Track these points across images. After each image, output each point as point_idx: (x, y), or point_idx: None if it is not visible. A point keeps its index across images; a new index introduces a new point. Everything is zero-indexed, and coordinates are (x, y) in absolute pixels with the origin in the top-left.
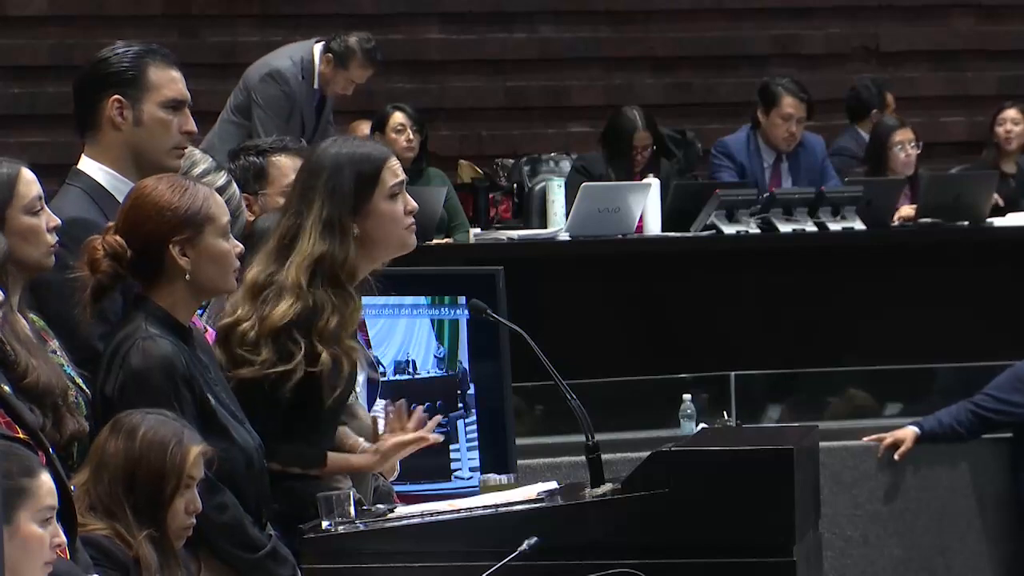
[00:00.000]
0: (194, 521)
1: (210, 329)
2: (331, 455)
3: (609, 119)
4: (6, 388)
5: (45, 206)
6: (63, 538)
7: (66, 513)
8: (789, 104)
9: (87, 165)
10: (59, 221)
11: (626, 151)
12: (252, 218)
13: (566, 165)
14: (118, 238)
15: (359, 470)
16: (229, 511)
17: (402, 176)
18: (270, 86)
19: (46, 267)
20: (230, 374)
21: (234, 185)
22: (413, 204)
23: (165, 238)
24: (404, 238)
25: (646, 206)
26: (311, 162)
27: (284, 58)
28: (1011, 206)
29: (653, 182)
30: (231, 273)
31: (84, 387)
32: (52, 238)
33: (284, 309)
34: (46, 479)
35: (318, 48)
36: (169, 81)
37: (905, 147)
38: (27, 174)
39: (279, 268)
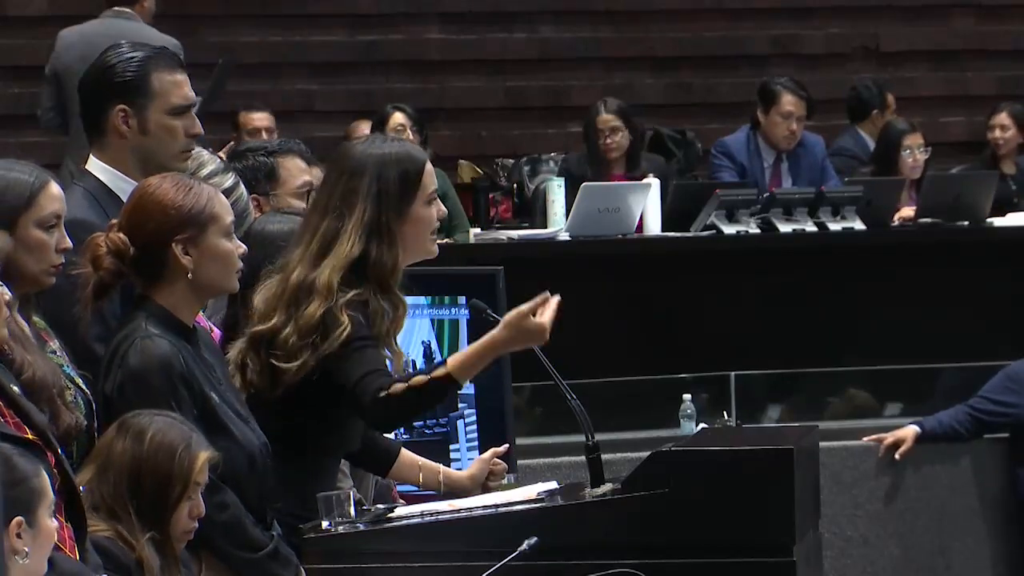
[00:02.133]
0: (197, 525)
1: (215, 329)
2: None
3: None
4: (15, 389)
5: (62, 226)
6: (56, 523)
7: (75, 512)
8: (788, 102)
9: (93, 165)
10: (71, 244)
11: (595, 138)
12: None
13: None
14: (121, 235)
15: (485, 349)
16: (229, 510)
17: (436, 183)
18: None
19: (43, 285)
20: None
21: (242, 186)
22: (444, 212)
23: (168, 236)
24: (430, 245)
25: (646, 206)
26: (352, 162)
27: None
28: (1009, 206)
29: (653, 182)
30: (233, 273)
31: (84, 387)
32: (58, 259)
33: (312, 310)
34: (44, 472)
35: (126, 10)
36: (174, 86)
37: (914, 152)
38: (54, 189)
39: (313, 271)
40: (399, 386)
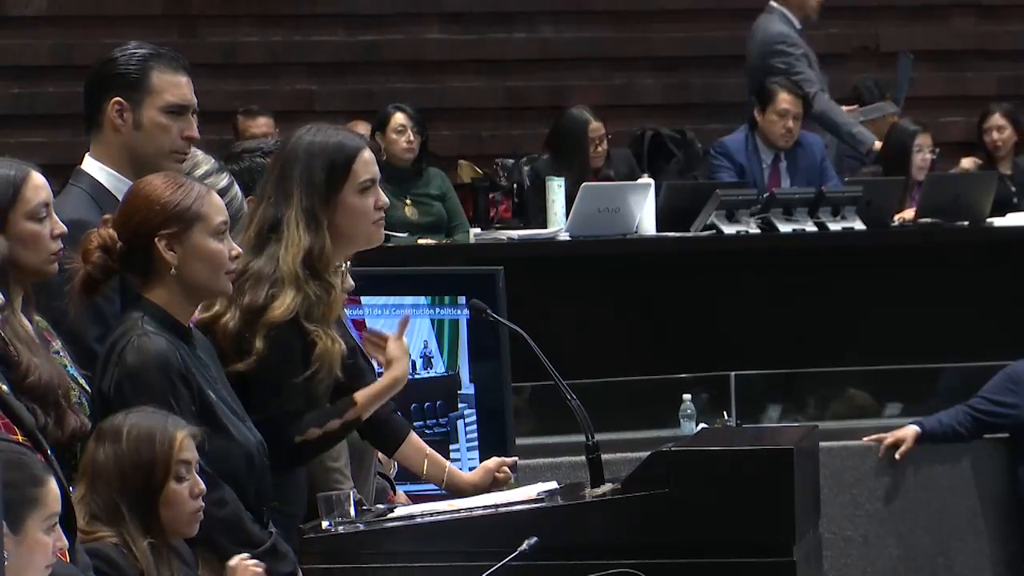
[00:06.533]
0: (203, 504)
1: None
2: (356, 395)
3: (556, 122)
4: (4, 388)
5: (52, 212)
6: (65, 541)
7: (66, 514)
8: (784, 100)
9: (89, 165)
10: (65, 229)
11: (583, 146)
12: None
13: None
14: (111, 230)
15: (388, 389)
16: (228, 507)
17: (374, 172)
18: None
19: (47, 274)
20: (227, 370)
21: (236, 187)
22: (384, 200)
23: (152, 231)
24: (371, 233)
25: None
26: (286, 151)
27: (776, 22)
28: (1010, 206)
29: (650, 182)
30: (222, 274)
31: (87, 387)
32: (55, 245)
33: (288, 303)
34: (53, 486)
35: (774, 4)
36: (172, 86)
37: (924, 151)
38: (36, 179)
39: (255, 257)
40: (314, 431)
